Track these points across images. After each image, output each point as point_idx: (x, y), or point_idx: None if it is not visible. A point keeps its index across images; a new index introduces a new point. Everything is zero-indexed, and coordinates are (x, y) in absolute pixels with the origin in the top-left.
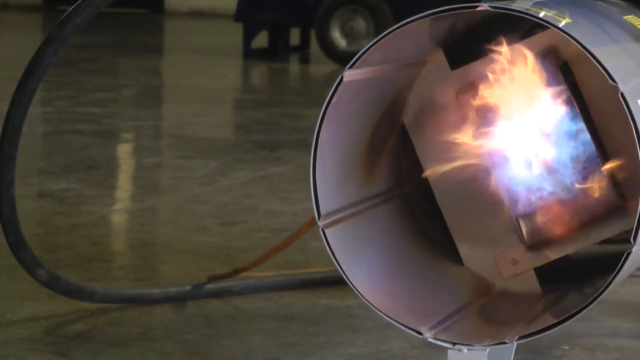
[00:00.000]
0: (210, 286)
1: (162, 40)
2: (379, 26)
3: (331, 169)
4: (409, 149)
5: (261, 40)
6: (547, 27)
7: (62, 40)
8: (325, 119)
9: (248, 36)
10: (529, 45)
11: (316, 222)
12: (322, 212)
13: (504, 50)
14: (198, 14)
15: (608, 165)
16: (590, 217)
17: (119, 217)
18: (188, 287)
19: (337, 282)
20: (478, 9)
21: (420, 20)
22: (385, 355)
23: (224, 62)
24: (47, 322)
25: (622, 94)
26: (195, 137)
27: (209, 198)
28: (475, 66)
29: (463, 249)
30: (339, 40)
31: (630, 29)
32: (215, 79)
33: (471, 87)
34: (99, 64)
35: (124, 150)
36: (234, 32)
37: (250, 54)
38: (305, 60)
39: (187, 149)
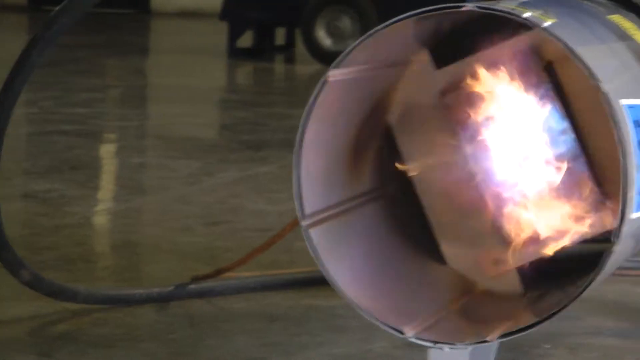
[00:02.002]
0: (193, 286)
1: (148, 40)
2: (364, 26)
3: (315, 169)
4: (393, 149)
5: (246, 39)
6: (532, 28)
7: (48, 40)
8: (309, 118)
9: (233, 35)
10: (513, 45)
11: (299, 222)
12: (306, 212)
13: (488, 51)
14: (184, 14)
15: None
16: (573, 216)
17: (103, 218)
18: (171, 288)
19: (320, 282)
20: (463, 9)
21: (405, 20)
22: (368, 355)
23: (210, 62)
24: (31, 322)
25: (604, 93)
26: (180, 137)
27: (194, 198)
28: (460, 66)
29: (446, 249)
30: (324, 39)
31: (614, 29)
32: (201, 79)
33: (455, 87)
34: (85, 64)
35: (109, 151)
36: (219, 32)
37: (235, 54)
38: (290, 59)
39: (172, 149)
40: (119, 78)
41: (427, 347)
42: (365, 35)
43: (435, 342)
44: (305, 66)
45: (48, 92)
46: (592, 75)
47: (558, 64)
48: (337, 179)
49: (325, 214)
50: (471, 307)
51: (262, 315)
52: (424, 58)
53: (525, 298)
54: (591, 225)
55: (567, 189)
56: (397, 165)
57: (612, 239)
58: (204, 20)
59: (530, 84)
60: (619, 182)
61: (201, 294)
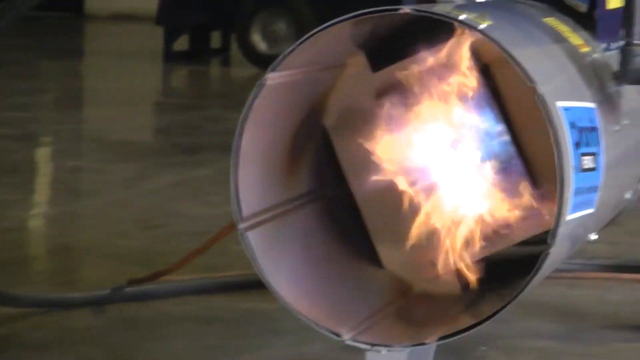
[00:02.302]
0: (130, 290)
1: (83, 44)
2: (299, 29)
3: (252, 172)
4: (330, 152)
5: (182, 43)
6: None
7: None
8: (246, 121)
9: (169, 39)
10: (450, 48)
11: (236, 226)
12: (243, 215)
13: (425, 53)
14: (119, 17)
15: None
16: (509, 217)
17: (39, 222)
18: (108, 291)
19: (257, 285)
20: (399, 11)
21: (342, 23)
22: (304, 358)
23: (145, 65)
24: None
25: (540, 96)
26: (116, 140)
27: (130, 202)
28: (397, 69)
29: (383, 251)
30: (260, 43)
31: (549, 31)
32: (136, 83)
33: (392, 90)
34: (19, 67)
35: (45, 154)
36: (155, 35)
37: (171, 57)
38: (226, 63)
39: (108, 152)
40: (54, 81)
41: (364, 350)
42: (302, 39)
43: (373, 345)
44: (241, 69)
45: None
46: (528, 78)
47: (494, 66)
48: (274, 182)
49: (263, 217)
50: (409, 310)
51: (199, 318)
52: (360, 61)
53: (462, 300)
54: (528, 227)
55: (504, 191)
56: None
57: (548, 241)
58: (140, 24)
59: (466, 87)
60: (555, 184)
61: (138, 297)
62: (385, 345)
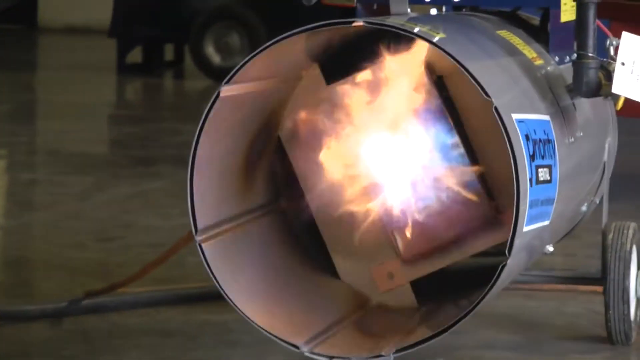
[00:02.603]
0: (87, 302)
1: (36, 57)
2: (253, 42)
3: (208, 184)
4: (286, 164)
5: (135, 55)
6: (422, 42)
7: None
8: (202, 134)
9: (122, 52)
10: (404, 60)
11: (193, 237)
12: (199, 226)
13: (378, 66)
14: (72, 30)
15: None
16: (465, 230)
17: None
18: (64, 304)
19: (214, 297)
20: (353, 24)
21: (296, 36)
22: None
23: (98, 78)
24: None
25: (495, 108)
26: (70, 152)
27: (86, 214)
28: (351, 81)
29: (339, 263)
30: (214, 55)
31: (503, 44)
32: (90, 95)
33: (346, 101)
34: None
35: None
36: (108, 48)
37: (124, 70)
38: (179, 75)
39: (62, 164)
40: (7, 94)
41: None
42: (256, 51)
43: (331, 357)
44: (195, 82)
45: None
46: (482, 91)
47: (448, 78)
48: (231, 194)
49: (219, 229)
50: (366, 322)
51: (156, 330)
52: (315, 73)
53: (419, 312)
54: (484, 239)
55: (460, 203)
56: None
57: (505, 253)
58: (93, 36)
59: (421, 99)
60: (512, 196)
61: (95, 310)
62: (344, 357)
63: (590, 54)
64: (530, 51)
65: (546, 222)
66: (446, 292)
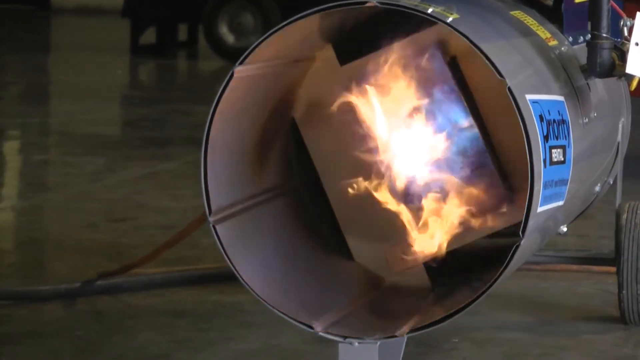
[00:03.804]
0: (100, 283)
1: (49, 37)
2: (267, 22)
3: (222, 165)
4: (300, 144)
5: (149, 36)
6: (436, 23)
7: None
8: (215, 115)
9: (135, 32)
10: (417, 40)
11: (206, 219)
12: (213, 208)
13: (392, 46)
14: (85, 10)
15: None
16: (479, 210)
17: (6, 215)
18: (78, 284)
19: (228, 278)
20: (367, 4)
21: (310, 17)
22: (276, 350)
23: (112, 59)
24: None
25: (509, 89)
26: (83, 134)
27: (98, 195)
28: (365, 62)
29: (353, 244)
30: (227, 36)
31: (517, 24)
32: (103, 76)
33: (360, 82)
34: None
35: (11, 148)
36: (122, 29)
37: (137, 51)
38: (193, 56)
39: (75, 146)
40: (20, 75)
41: (336, 342)
42: (270, 32)
43: (345, 337)
44: (208, 62)
45: None
46: (496, 71)
47: (462, 59)
48: (244, 175)
49: (233, 210)
50: (380, 302)
51: (169, 311)
52: (328, 54)
53: (433, 293)
54: (497, 219)
55: (473, 183)
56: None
57: (519, 233)
58: (106, 17)
59: (434, 79)
60: (525, 176)
61: (108, 291)
62: (357, 338)
63: (604, 35)
64: (544, 32)
65: (560, 203)
66: (459, 273)
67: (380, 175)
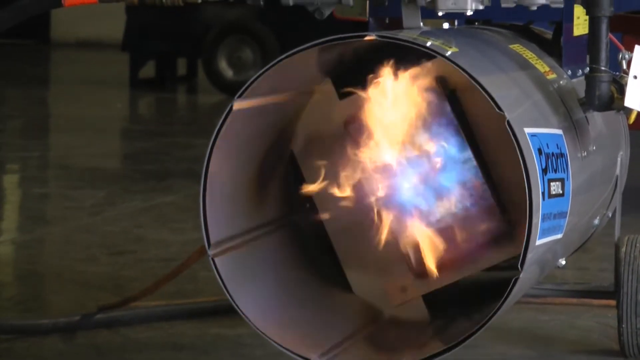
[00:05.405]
0: (100, 316)
1: (49, 71)
2: (266, 56)
3: (221, 198)
4: (298, 178)
5: (148, 70)
6: (434, 57)
7: None
8: (214, 148)
9: (135, 66)
10: (416, 74)
11: (206, 251)
12: (212, 240)
13: (391, 80)
14: (85, 44)
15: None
16: (478, 243)
17: (6, 248)
18: (77, 318)
19: (227, 310)
20: (365, 38)
21: (308, 50)
22: None
23: (112, 93)
24: None
25: (508, 122)
26: (83, 167)
27: (98, 228)
28: (364, 96)
29: (352, 277)
30: (226, 70)
31: (516, 58)
32: (103, 109)
33: (359, 117)
34: None
35: (11, 181)
36: (121, 62)
37: (137, 84)
38: (192, 90)
39: (75, 179)
40: (20, 109)
41: None
42: (269, 65)
43: None
44: (208, 96)
45: None
46: (495, 105)
47: (461, 92)
48: (243, 208)
49: (232, 243)
50: (379, 335)
51: (168, 344)
52: (327, 88)
53: (432, 326)
54: (496, 253)
55: (472, 216)
56: (303, 189)
57: (517, 266)
58: (106, 51)
59: (433, 113)
60: (524, 210)
61: (108, 324)
62: None
63: (603, 68)
64: (542, 65)
65: (558, 236)
66: (458, 306)
67: (379, 209)
